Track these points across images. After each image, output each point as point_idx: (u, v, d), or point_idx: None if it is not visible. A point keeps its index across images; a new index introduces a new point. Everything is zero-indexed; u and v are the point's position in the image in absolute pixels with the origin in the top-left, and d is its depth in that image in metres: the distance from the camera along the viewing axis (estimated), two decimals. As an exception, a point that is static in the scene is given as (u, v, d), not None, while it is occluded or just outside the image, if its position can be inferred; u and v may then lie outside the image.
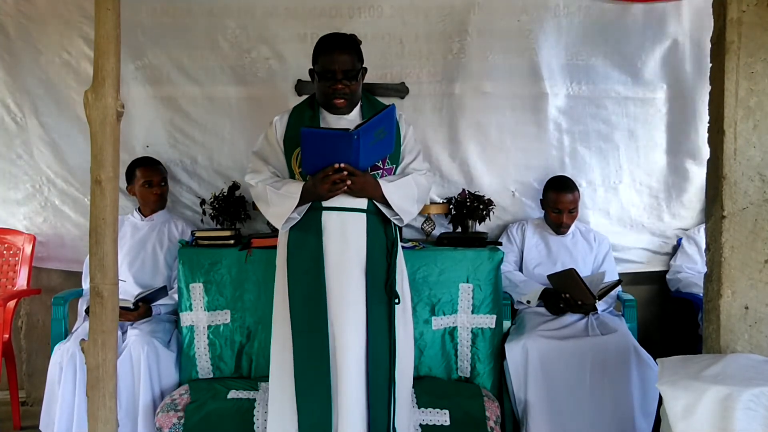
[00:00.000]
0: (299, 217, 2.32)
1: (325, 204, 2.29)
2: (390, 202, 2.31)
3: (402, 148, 2.45)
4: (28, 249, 3.42)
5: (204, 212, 3.32)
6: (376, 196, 2.31)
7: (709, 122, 2.18)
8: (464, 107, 3.41)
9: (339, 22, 3.31)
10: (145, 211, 3.26)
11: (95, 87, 1.90)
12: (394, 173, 2.42)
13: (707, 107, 2.19)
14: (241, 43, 3.36)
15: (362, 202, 2.32)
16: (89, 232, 1.94)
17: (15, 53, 3.38)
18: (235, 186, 3.28)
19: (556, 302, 3.02)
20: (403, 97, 3.36)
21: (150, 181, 3.21)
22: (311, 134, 2.18)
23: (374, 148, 2.24)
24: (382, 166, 2.37)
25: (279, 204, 2.30)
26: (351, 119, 2.39)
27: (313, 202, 2.30)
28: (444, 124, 3.41)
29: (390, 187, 2.32)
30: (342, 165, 2.20)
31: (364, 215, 2.32)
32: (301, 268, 2.31)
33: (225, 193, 3.26)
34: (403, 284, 2.43)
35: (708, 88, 2.18)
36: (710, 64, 2.18)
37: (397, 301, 2.33)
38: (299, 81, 3.36)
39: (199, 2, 3.33)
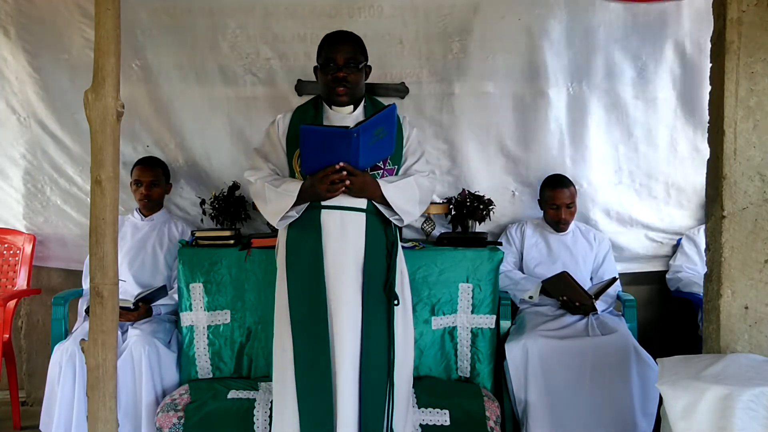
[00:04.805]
0: (297, 215, 2.32)
1: (324, 203, 2.30)
2: (390, 203, 2.31)
3: (404, 149, 2.45)
4: (28, 249, 3.42)
5: (204, 212, 3.32)
6: (375, 196, 2.31)
7: (709, 122, 2.18)
8: (464, 107, 3.40)
9: (339, 22, 3.30)
10: (144, 211, 3.26)
11: (95, 87, 1.90)
12: (396, 174, 2.42)
13: (707, 107, 2.19)
14: (241, 43, 3.35)
15: (362, 202, 2.32)
16: (89, 232, 1.94)
17: (16, 53, 3.37)
18: (235, 186, 3.28)
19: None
20: (403, 97, 3.36)
21: (138, 181, 3.21)
22: (311, 131, 2.18)
23: (374, 147, 2.24)
24: (382, 167, 2.38)
25: (276, 202, 2.30)
26: (354, 118, 2.40)
27: (312, 201, 2.30)
28: (444, 124, 3.41)
29: (390, 188, 2.32)
30: (341, 164, 2.20)
31: (363, 215, 2.32)
32: (300, 266, 2.32)
33: (225, 193, 3.26)
34: (403, 285, 2.43)
35: (708, 88, 2.18)
36: (710, 64, 2.18)
37: (396, 302, 2.33)
38: (299, 81, 3.36)
39: (199, 2, 3.33)
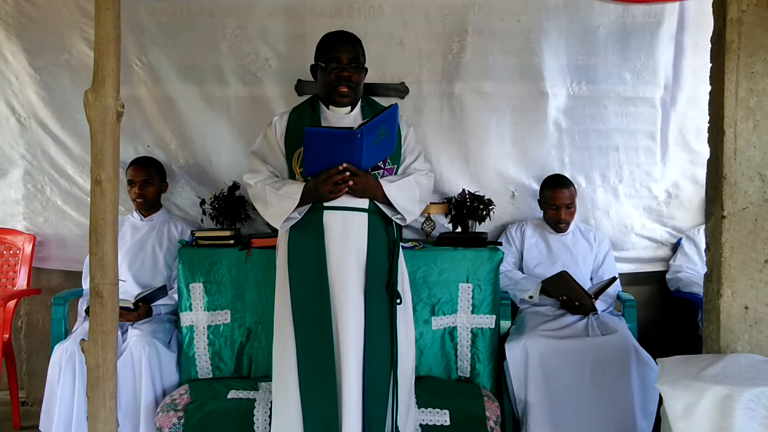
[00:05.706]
0: (299, 217, 2.33)
1: (326, 204, 2.30)
2: (393, 203, 2.32)
3: (403, 148, 2.46)
4: (28, 249, 3.42)
5: (204, 212, 3.32)
6: (377, 196, 2.31)
7: (709, 122, 2.18)
8: (464, 107, 3.41)
9: (339, 22, 3.30)
10: (142, 210, 3.26)
11: (95, 87, 1.90)
12: (395, 173, 2.42)
13: (707, 107, 2.19)
14: (241, 43, 3.36)
15: (364, 202, 2.32)
16: (89, 232, 1.94)
17: (16, 53, 3.37)
18: (235, 186, 3.28)
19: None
20: (403, 97, 3.36)
21: (131, 181, 3.21)
22: (315, 134, 2.18)
23: (376, 148, 2.24)
24: (383, 166, 2.38)
25: (278, 204, 2.30)
26: (352, 118, 2.41)
27: (314, 202, 2.30)
28: (444, 124, 3.42)
29: (392, 188, 2.32)
30: (345, 165, 2.20)
31: (365, 215, 2.32)
32: (303, 268, 2.31)
33: (225, 193, 3.26)
34: (403, 284, 2.44)
35: (708, 88, 2.18)
36: (710, 64, 2.18)
37: (398, 301, 2.33)
38: (299, 81, 3.36)
39: (199, 2, 3.33)
